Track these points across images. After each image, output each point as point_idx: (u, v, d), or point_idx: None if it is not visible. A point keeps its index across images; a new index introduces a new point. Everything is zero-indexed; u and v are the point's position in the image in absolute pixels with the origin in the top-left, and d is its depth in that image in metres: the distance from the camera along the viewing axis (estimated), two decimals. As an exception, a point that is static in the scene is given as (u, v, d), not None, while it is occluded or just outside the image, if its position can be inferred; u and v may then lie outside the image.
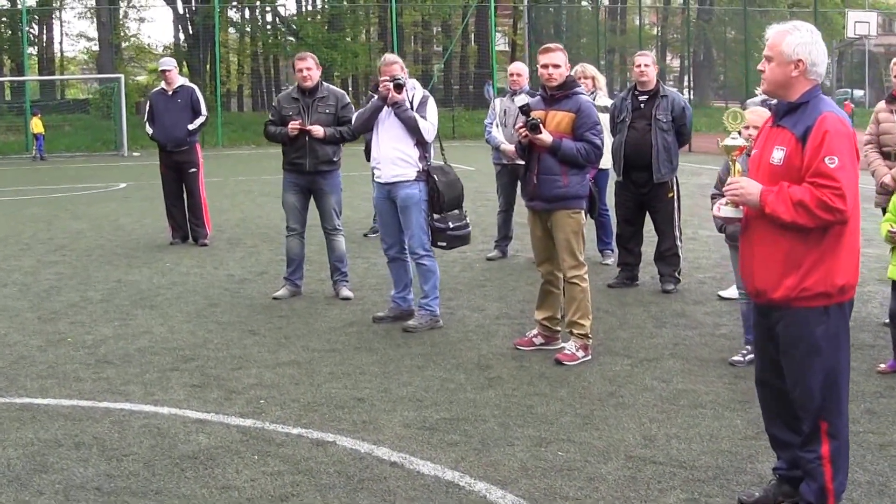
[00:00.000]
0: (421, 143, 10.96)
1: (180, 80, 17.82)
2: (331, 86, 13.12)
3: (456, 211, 11.05)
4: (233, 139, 49.49)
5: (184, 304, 12.60)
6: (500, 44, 71.27)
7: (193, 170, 17.60)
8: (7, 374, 9.51)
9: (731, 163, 5.99)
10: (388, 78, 10.95)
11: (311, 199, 12.86)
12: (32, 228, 20.10)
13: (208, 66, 65.48)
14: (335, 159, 12.69)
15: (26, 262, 16.04)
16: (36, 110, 47.47)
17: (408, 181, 10.96)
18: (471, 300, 12.38)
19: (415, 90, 11.13)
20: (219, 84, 56.05)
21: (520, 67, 14.49)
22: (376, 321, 11.35)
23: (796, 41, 5.67)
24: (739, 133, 6.27)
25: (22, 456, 7.27)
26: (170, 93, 17.49)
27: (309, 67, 12.54)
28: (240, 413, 8.19)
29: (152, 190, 18.29)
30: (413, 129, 10.88)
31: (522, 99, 9.98)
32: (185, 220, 17.76)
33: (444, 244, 11.04)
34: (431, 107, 11.04)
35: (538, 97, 9.99)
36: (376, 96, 11.22)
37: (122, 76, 49.51)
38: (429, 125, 10.90)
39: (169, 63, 17.88)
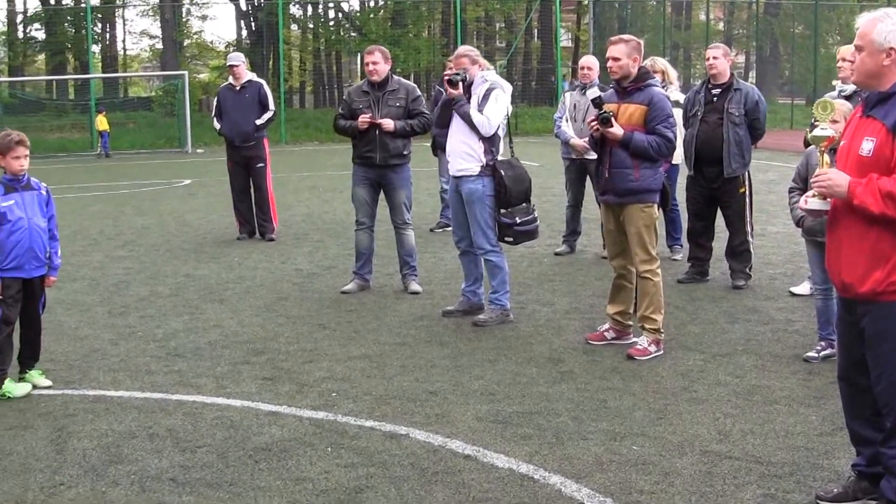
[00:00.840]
0: (486, 138, 10.94)
1: (248, 76, 17.92)
2: (401, 79, 13.15)
3: (523, 205, 11.02)
4: (296, 136, 49.62)
5: (253, 299, 12.69)
6: (564, 39, 71.11)
7: (261, 165, 17.71)
8: (80, 367, 9.63)
9: (819, 154, 5.95)
10: (450, 72, 11.06)
11: (381, 194, 12.91)
12: (99, 224, 20.29)
13: (271, 63, 65.79)
14: (405, 153, 12.72)
15: (95, 257, 16.20)
16: (100, 108, 47.90)
17: (472, 176, 10.98)
18: (540, 295, 12.38)
19: (484, 82, 11.11)
20: (282, 81, 56.25)
21: (590, 61, 14.44)
22: (446, 315, 11.38)
23: (888, 28, 5.56)
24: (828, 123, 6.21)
25: (97, 447, 7.36)
26: (237, 88, 17.60)
27: (376, 61, 12.57)
28: (312, 406, 8.24)
29: (217, 186, 18.42)
30: (470, 125, 10.91)
31: (594, 92, 9.95)
32: (252, 215, 17.87)
33: (511, 240, 11.02)
34: (493, 101, 10.95)
35: (611, 90, 9.96)
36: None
37: (185, 73, 49.77)
38: (483, 119, 10.85)
39: (237, 58, 17.99)
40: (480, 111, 10.91)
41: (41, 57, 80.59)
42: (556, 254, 15.17)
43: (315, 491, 6.41)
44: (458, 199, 11.26)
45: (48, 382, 9.01)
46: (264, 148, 17.79)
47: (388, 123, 12.41)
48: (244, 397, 8.53)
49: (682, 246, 14.19)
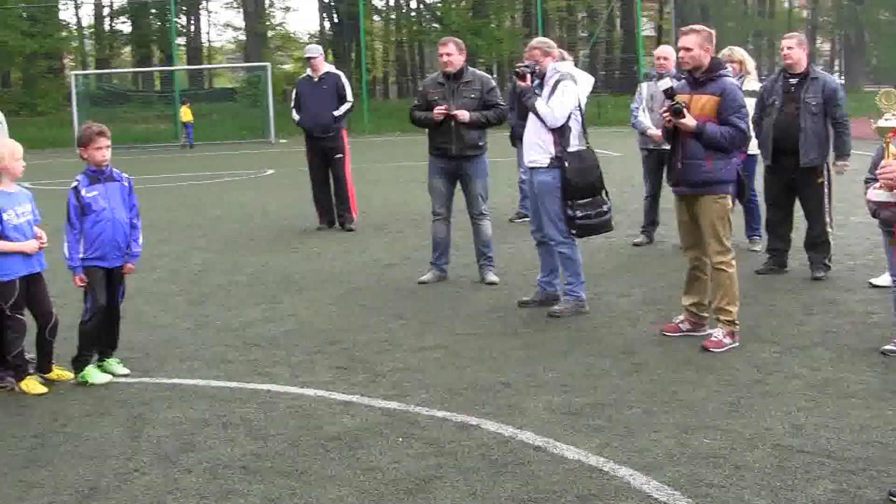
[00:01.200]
0: (555, 129, 10.91)
1: (326, 67, 18.03)
2: (476, 70, 13.14)
3: (591, 198, 10.91)
4: (379, 126, 49.85)
5: (329, 288, 12.76)
6: (647, 28, 70.72)
7: (340, 156, 17.80)
8: (157, 355, 9.74)
9: (884, 145, 5.86)
10: (519, 64, 11.09)
11: (458, 184, 12.92)
12: (181, 214, 20.52)
13: (353, 54, 66.08)
14: (481, 144, 12.70)
15: (175, 246, 16.38)
16: (185, 99, 48.45)
17: (542, 167, 10.96)
18: (617, 286, 12.32)
19: (555, 74, 11.06)
20: (364, 71, 56.53)
21: (666, 51, 14.33)
22: (522, 306, 11.37)
23: None
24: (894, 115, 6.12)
25: (171, 435, 7.44)
26: (315, 79, 17.71)
27: (450, 53, 12.57)
28: (385, 395, 8.26)
29: (299, 176, 18.54)
30: (538, 117, 10.90)
31: (666, 83, 9.87)
32: (332, 205, 17.96)
33: (575, 232, 10.97)
34: (559, 93, 10.89)
35: (683, 80, 9.87)
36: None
37: (268, 65, 50.14)
38: (547, 111, 10.81)
39: (315, 50, 18.12)
40: (547, 103, 10.89)
41: (127, 49, 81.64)
42: (635, 244, 15.09)
43: (384, 480, 6.43)
44: (533, 189, 11.26)
45: (126, 371, 9.14)
46: (343, 139, 17.88)
47: (464, 114, 12.41)
48: (318, 386, 8.57)
49: (760, 237, 14.04)
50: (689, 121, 9.35)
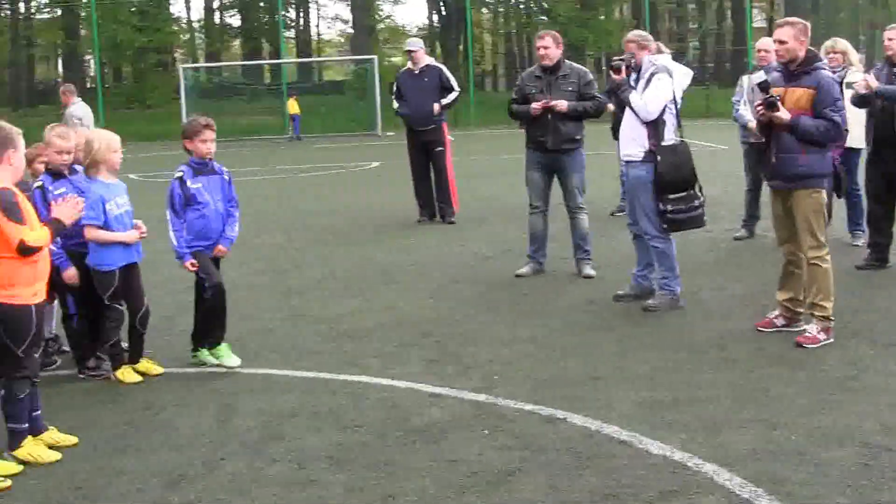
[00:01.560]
0: (650, 123, 10.86)
1: (426, 60, 18.12)
2: (574, 64, 13.13)
3: (682, 194, 10.85)
4: (486, 119, 49.86)
5: (426, 281, 12.84)
6: (758, 20, 69.93)
7: (440, 149, 17.86)
8: (251, 346, 9.88)
9: None
10: (615, 58, 11.08)
11: (555, 178, 12.93)
12: (283, 206, 20.76)
13: (461, 47, 66.20)
14: (578, 137, 12.70)
15: (276, 238, 16.59)
16: (292, 92, 48.89)
17: (636, 161, 10.93)
18: (714, 280, 12.23)
19: (650, 66, 11.01)
20: (471, 64, 56.65)
21: (766, 43, 14.15)
22: (617, 299, 11.34)
23: None
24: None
25: (259, 425, 7.56)
26: (416, 72, 17.81)
27: (547, 46, 12.60)
28: (474, 388, 8.31)
29: (404, 169, 18.60)
30: (632, 110, 10.87)
31: (760, 76, 9.78)
32: (432, 198, 18.03)
33: (666, 227, 10.91)
34: (653, 85, 10.85)
35: (778, 73, 9.76)
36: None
37: (375, 57, 50.42)
38: (641, 104, 10.78)
39: (415, 44, 18.25)
40: (641, 96, 10.85)
41: (236, 43, 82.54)
42: (735, 238, 14.96)
43: (468, 472, 6.47)
44: (629, 183, 11.24)
45: (237, 362, 9.20)
46: (443, 132, 17.94)
47: (562, 104, 12.42)
48: (408, 378, 8.64)
49: (864, 231, 13.83)
50: (784, 114, 9.25)
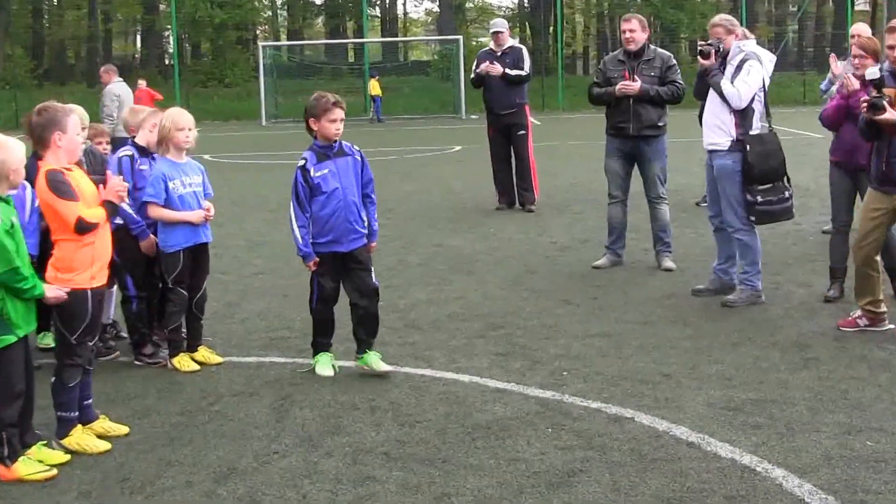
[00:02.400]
0: (737, 111, 10.75)
1: (510, 42, 18.13)
2: (658, 48, 13.08)
3: (771, 184, 10.73)
4: (574, 103, 49.71)
5: (501, 271, 12.83)
6: (860, 3, 68.99)
7: (522, 132, 17.85)
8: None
9: None
10: (702, 42, 10.97)
11: (635, 167, 12.88)
12: (361, 190, 20.80)
13: (551, 28, 65.93)
14: (660, 124, 12.64)
15: (351, 224, 16.64)
16: (374, 72, 48.99)
17: (722, 150, 10.82)
18: (798, 275, 12.11)
19: (739, 52, 10.90)
20: (561, 46, 56.43)
21: (861, 28, 13.94)
22: (695, 294, 11.27)
23: None
24: None
25: (317, 417, 7.60)
26: (498, 53, 17.81)
27: (633, 29, 12.57)
28: (540, 384, 8.30)
29: (487, 154, 18.58)
30: (721, 97, 10.75)
31: (874, 72, 9.36)
32: (512, 184, 18.02)
33: (754, 218, 10.80)
34: (745, 72, 10.73)
35: (888, 72, 9.35)
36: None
37: (460, 38, 50.43)
38: (733, 91, 10.65)
39: (500, 24, 18.21)
40: (732, 82, 10.74)
41: (319, 20, 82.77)
42: (825, 232, 14.75)
43: (527, 472, 6.47)
44: (711, 173, 11.14)
45: (386, 368, 8.72)
46: (526, 115, 17.94)
47: (634, 85, 12.44)
48: (474, 373, 8.65)
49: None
50: (891, 116, 9.02)
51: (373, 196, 8.86)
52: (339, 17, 78.71)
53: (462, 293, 11.67)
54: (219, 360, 9.13)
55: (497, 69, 17.45)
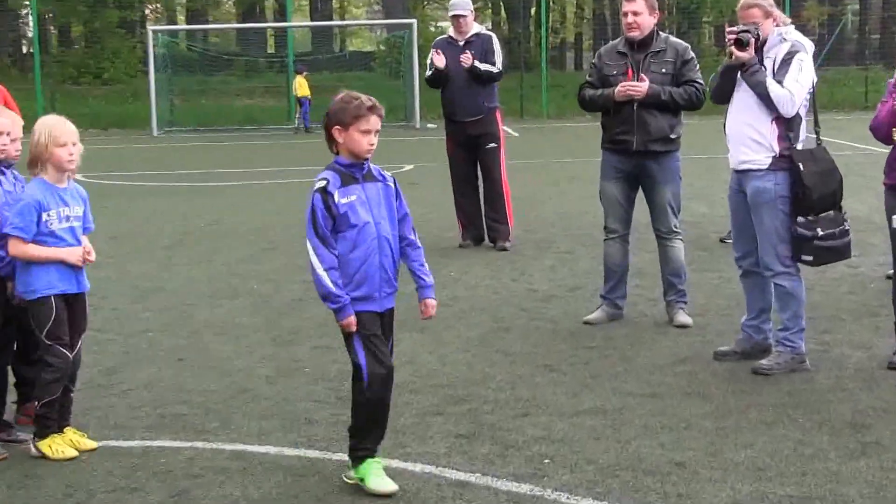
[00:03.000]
0: (781, 119, 10.81)
1: (476, 28, 18.20)
2: (672, 37, 13.11)
3: (830, 213, 10.79)
4: (563, 107, 49.83)
5: (464, 327, 12.86)
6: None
7: (492, 146, 17.89)
8: (221, 412, 9.94)
9: None
10: (735, 28, 10.89)
11: (640, 192, 12.94)
12: (284, 221, 20.86)
13: (533, 10, 66.22)
14: (673, 136, 12.68)
15: (269, 265, 16.69)
16: (301, 67, 48.94)
17: (760, 170, 10.82)
18: (855, 334, 12.19)
19: (782, 42, 10.98)
20: (545, 33, 56.61)
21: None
22: (718, 358, 11.33)
23: None
24: None
25: (222, 520, 7.63)
26: (460, 43, 17.88)
27: (637, 12, 12.54)
28: (514, 475, 8.33)
29: (446, 174, 18.61)
30: (765, 99, 10.76)
31: None
32: (480, 214, 18.02)
33: (811, 258, 10.78)
34: (795, 68, 10.78)
35: None
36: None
37: (413, 22, 50.42)
38: (785, 94, 10.67)
39: (462, 6, 18.14)
40: (780, 82, 10.78)
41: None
42: (889, 277, 14.87)
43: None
44: (741, 200, 11.13)
45: (392, 487, 8.16)
46: (497, 123, 18.02)
47: (640, 86, 12.46)
48: (428, 460, 8.68)
49: None
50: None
51: (414, 238, 8.44)
52: (256, -5, 78.89)
53: (412, 356, 11.69)
54: (92, 445, 9.07)
55: (468, 59, 17.46)
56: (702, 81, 12.69)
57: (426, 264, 8.47)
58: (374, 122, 8.01)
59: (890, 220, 11.07)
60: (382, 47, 65.03)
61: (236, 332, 12.77)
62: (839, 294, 13.99)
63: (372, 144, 8.02)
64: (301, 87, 46.71)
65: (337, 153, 8.13)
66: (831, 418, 9.49)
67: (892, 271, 14.85)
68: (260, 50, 68.03)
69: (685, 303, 12.95)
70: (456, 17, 18.04)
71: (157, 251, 18.01)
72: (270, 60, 62.08)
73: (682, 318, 12.76)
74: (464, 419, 9.66)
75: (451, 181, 18.29)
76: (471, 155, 18.04)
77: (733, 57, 10.85)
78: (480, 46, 17.85)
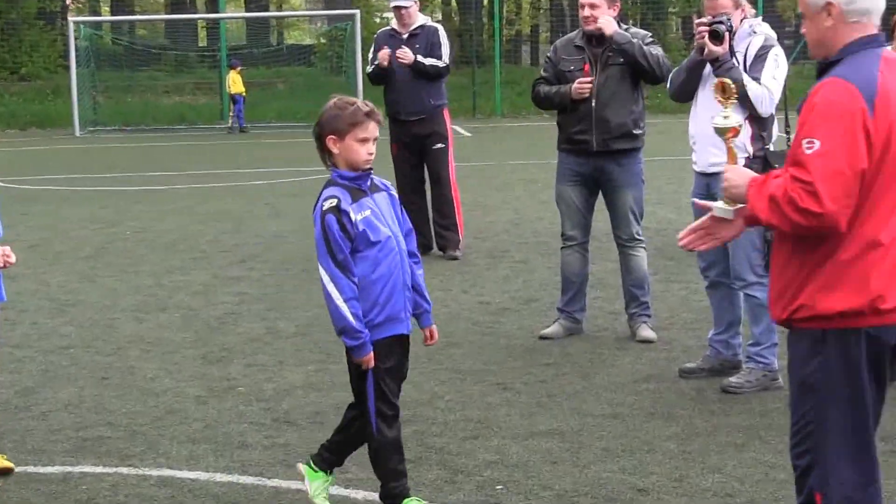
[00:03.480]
0: (754, 118, 10.85)
1: (420, 20, 18.14)
2: (634, 28, 13.15)
3: None
4: (518, 106, 49.91)
5: (411, 344, 12.82)
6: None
7: (440, 146, 17.85)
8: (148, 434, 9.92)
9: (727, 147, 6.72)
10: (705, 20, 10.90)
11: (599, 195, 12.95)
12: (214, 230, 20.81)
13: (486, 1, 66.26)
14: (636, 132, 12.68)
15: (199, 276, 16.64)
16: (235, 62, 48.76)
17: None
18: (829, 349, 12.23)
19: (752, 36, 11.02)
20: (499, 25, 56.66)
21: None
22: (685, 375, 11.37)
23: None
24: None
25: (148, 551, 7.62)
26: (404, 36, 17.84)
27: (595, 4, 12.54)
28: (464, 503, 8.36)
29: (391, 178, 18.56)
30: (739, 97, 10.75)
31: None
32: (427, 220, 17.99)
33: None
34: (771, 64, 10.85)
35: None
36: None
37: (356, 13, 50.33)
38: (762, 92, 10.75)
39: None
40: (756, 79, 10.82)
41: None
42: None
43: None
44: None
45: None
46: (444, 122, 18.01)
47: (605, 23, 12.48)
48: (370, 486, 8.67)
49: None
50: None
51: (419, 256, 8.40)
52: (186, -16, 78.75)
53: (356, 375, 11.70)
54: (8, 464, 9.07)
55: (407, 55, 17.44)
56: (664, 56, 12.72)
57: (423, 284, 8.35)
58: (373, 128, 7.84)
59: None
60: (323, 40, 64.92)
61: (164, 349, 12.73)
62: (813, 306, 14.00)
63: (371, 154, 7.86)
64: (235, 83, 46.46)
65: (333, 165, 7.93)
66: (805, 440, 9.53)
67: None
68: (191, 43, 67.75)
69: (649, 316, 12.97)
70: (398, 9, 17.95)
71: (79, 261, 17.95)
72: (202, 55, 61.97)
73: (646, 332, 12.78)
74: (410, 442, 9.62)
75: (395, 186, 18.12)
76: (416, 157, 18.04)
77: (706, 51, 10.88)
78: (425, 39, 17.83)
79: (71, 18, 53.89)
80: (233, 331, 13.51)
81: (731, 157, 6.60)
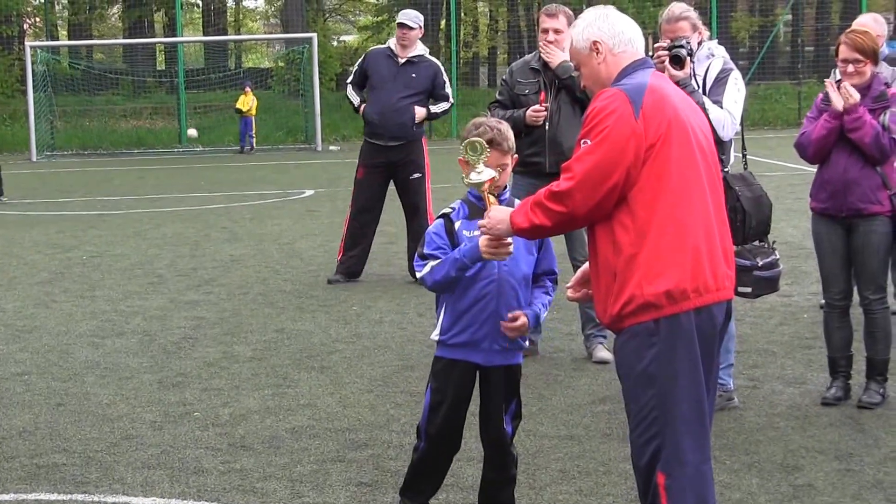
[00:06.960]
0: (716, 142, 10.81)
1: (420, 49, 17.74)
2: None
3: (763, 243, 10.75)
4: (473, 127, 49.88)
5: (367, 367, 12.83)
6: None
7: (417, 175, 17.54)
8: (102, 460, 9.86)
9: (485, 197, 7.27)
10: (663, 44, 10.88)
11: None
12: (171, 253, 20.75)
13: (443, 22, 66.33)
14: (586, 152, 12.70)
15: (155, 301, 16.57)
16: (246, 83, 48.85)
17: None
18: (787, 368, 12.26)
19: (711, 59, 11.05)
20: (455, 46, 56.71)
21: (866, 22, 14.10)
22: (641, 397, 11.36)
23: (581, 27, 7.01)
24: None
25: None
26: (402, 61, 17.50)
27: (559, 30, 12.55)
28: (421, 527, 8.32)
29: (348, 200, 18.42)
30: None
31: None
32: (368, 249, 17.86)
33: (749, 290, 10.68)
34: (732, 87, 10.84)
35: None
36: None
37: (314, 36, 50.32)
38: (724, 116, 10.75)
39: (413, 19, 17.76)
40: (717, 102, 10.80)
41: (115, 11, 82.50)
42: (821, 307, 14.94)
43: None
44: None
45: None
46: (423, 152, 17.70)
47: (554, 53, 12.57)
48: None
49: None
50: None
51: (549, 283, 8.19)
52: (144, 8, 78.55)
53: (311, 399, 11.68)
54: None
55: (421, 112, 17.46)
56: None
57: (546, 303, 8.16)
58: (496, 156, 7.63)
59: (818, 247, 11.15)
60: (281, 63, 64.90)
61: (119, 374, 12.67)
62: (770, 326, 14.06)
63: (507, 175, 7.89)
64: (245, 104, 46.20)
65: (468, 184, 7.62)
66: (761, 460, 9.55)
67: (823, 301, 15.02)
68: (148, 67, 67.76)
69: (605, 337, 12.91)
70: (402, 27, 17.52)
71: (35, 286, 17.88)
72: (159, 79, 61.95)
73: (602, 353, 12.75)
74: (366, 466, 9.64)
75: (350, 205, 17.94)
76: (383, 183, 17.73)
77: (665, 75, 10.85)
78: (428, 77, 17.58)
79: (28, 43, 53.69)
80: (189, 355, 13.47)
81: (491, 203, 7.26)
